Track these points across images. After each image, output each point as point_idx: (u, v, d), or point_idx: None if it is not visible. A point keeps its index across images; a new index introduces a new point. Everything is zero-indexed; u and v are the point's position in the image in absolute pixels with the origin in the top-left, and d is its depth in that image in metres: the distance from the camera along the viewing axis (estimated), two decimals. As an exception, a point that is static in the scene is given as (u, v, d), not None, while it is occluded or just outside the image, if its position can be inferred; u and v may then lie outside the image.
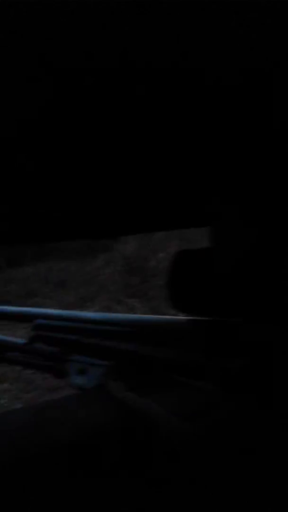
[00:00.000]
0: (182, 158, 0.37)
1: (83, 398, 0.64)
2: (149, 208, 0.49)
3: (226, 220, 0.51)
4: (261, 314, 0.55)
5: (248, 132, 0.34)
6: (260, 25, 0.24)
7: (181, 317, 0.62)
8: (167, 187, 0.43)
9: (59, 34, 0.22)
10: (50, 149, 0.32)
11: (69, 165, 0.35)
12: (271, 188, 0.47)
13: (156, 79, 0.26)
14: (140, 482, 0.48)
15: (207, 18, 0.23)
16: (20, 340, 0.77)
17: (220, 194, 0.46)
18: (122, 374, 0.63)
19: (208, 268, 0.56)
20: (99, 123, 0.30)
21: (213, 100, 0.30)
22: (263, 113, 0.32)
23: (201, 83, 0.27)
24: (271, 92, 0.29)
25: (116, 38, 0.23)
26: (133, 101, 0.28)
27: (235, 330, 0.55)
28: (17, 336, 0.77)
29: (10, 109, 0.27)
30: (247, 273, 0.53)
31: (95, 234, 0.59)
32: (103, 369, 0.66)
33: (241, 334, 0.55)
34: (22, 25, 0.21)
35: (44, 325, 0.72)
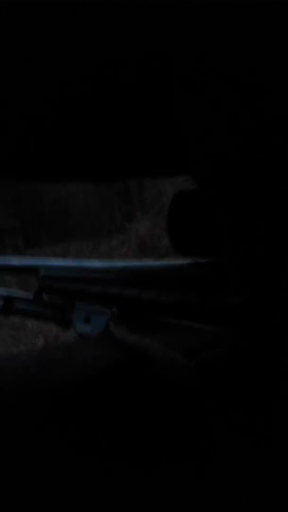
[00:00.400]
0: None
1: (88, 341, 0.66)
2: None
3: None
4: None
5: None
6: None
7: (181, 260, 0.63)
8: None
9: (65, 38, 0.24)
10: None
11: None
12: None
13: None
14: (141, 416, 0.50)
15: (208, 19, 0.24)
16: (28, 293, 0.79)
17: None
18: (125, 319, 0.65)
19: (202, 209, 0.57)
20: None
21: None
22: None
23: None
24: None
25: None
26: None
27: (230, 269, 0.56)
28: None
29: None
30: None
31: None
32: (106, 316, 0.67)
33: (236, 273, 0.56)
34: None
35: (50, 275, 0.74)
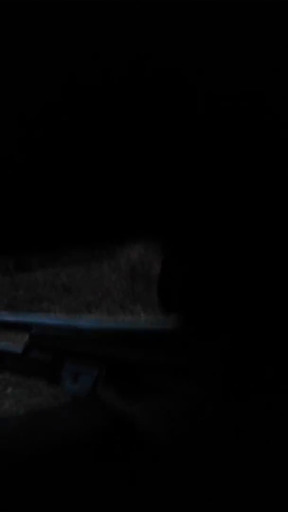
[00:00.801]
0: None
1: (74, 405, 0.68)
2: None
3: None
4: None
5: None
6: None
7: (170, 320, 0.65)
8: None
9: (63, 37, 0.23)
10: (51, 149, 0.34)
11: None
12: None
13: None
14: (122, 485, 0.51)
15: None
16: (18, 349, 0.80)
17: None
18: (113, 380, 0.66)
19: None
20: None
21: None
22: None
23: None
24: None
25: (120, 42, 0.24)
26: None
27: (214, 333, 0.59)
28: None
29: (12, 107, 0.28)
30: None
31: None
32: (94, 376, 0.69)
33: (221, 339, 0.58)
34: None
35: (40, 333, 0.76)
